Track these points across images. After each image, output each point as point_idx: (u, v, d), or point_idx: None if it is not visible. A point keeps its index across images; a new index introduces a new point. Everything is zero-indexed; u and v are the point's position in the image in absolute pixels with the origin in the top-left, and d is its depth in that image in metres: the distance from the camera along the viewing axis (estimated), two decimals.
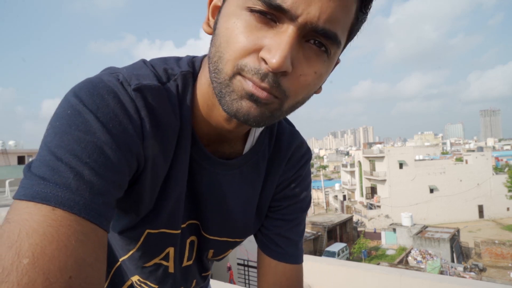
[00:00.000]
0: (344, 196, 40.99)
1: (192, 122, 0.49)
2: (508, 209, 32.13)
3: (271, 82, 0.38)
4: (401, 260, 20.83)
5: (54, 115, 0.39)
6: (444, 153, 63.26)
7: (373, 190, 34.85)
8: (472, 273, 18.40)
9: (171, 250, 0.57)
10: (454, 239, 22.33)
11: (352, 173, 42.89)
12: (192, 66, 0.50)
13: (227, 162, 0.54)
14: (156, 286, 0.61)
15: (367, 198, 34.73)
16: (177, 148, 0.48)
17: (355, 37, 0.43)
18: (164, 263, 0.58)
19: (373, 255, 23.57)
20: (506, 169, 36.52)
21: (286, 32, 0.37)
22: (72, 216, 0.33)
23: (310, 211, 32.61)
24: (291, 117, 0.55)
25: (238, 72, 0.39)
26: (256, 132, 0.56)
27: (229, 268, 6.24)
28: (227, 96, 0.40)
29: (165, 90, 0.45)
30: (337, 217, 26.71)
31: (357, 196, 38.63)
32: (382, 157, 32.72)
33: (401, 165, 32.12)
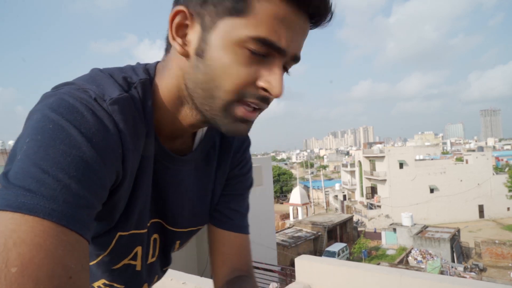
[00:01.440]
0: (344, 196, 40.98)
1: (154, 132, 0.52)
2: (508, 209, 32.11)
3: (267, 102, 0.48)
4: (401, 260, 20.82)
5: (32, 129, 0.39)
6: (445, 153, 63.25)
7: (373, 190, 34.85)
8: (473, 273, 18.38)
9: (139, 249, 0.60)
10: (454, 239, 22.32)
11: (352, 173, 42.88)
12: (148, 73, 0.52)
13: (183, 158, 0.58)
14: (122, 286, 0.63)
15: (367, 198, 34.73)
16: (143, 152, 0.50)
17: None
18: (133, 262, 0.61)
19: (373, 255, 23.56)
20: (507, 169, 36.52)
21: (279, 65, 0.45)
22: (59, 227, 0.34)
23: (310, 211, 32.60)
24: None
25: (239, 99, 0.46)
26: (204, 127, 0.61)
27: None
28: (224, 119, 0.47)
29: (131, 99, 0.47)
30: (337, 217, 26.70)
31: (357, 196, 38.63)
32: (382, 157, 32.71)
33: (401, 165, 32.11)
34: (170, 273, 3.01)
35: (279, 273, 8.66)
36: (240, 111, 0.46)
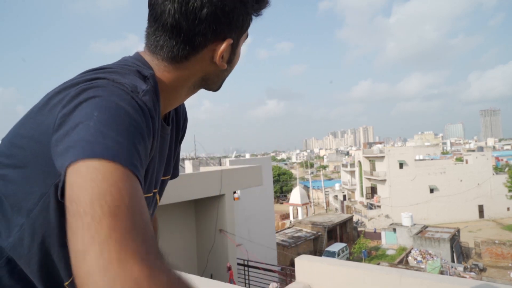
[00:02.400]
0: (344, 196, 40.98)
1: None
2: (508, 209, 32.12)
3: None
4: (401, 260, 20.82)
5: (96, 107, 0.47)
6: (444, 153, 63.23)
7: (373, 190, 34.85)
8: (472, 273, 18.38)
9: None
10: (454, 239, 22.32)
11: (352, 173, 42.88)
12: (149, 66, 0.64)
13: (168, 124, 0.74)
14: None
15: (367, 198, 34.73)
16: (156, 130, 0.62)
17: None
18: None
19: (373, 255, 23.56)
20: (506, 169, 36.51)
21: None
22: (134, 176, 0.44)
23: (310, 211, 32.60)
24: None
25: None
26: None
27: (229, 268, 6.23)
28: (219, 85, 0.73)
29: (153, 90, 0.59)
30: (337, 217, 26.70)
31: (357, 196, 38.62)
32: (382, 157, 32.71)
33: (401, 165, 32.11)
34: None
35: (279, 273, 8.66)
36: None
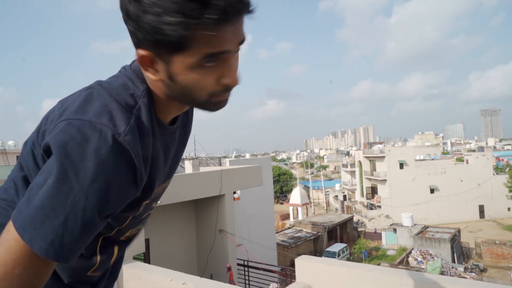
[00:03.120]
0: (345, 196, 40.95)
1: (157, 117, 0.66)
2: (509, 209, 32.07)
3: (232, 88, 0.61)
4: (402, 261, 20.79)
5: (52, 172, 0.51)
6: (445, 153, 63.20)
7: (373, 190, 34.82)
8: (473, 274, 18.36)
9: (154, 203, 0.81)
10: (454, 240, 22.29)
11: (352, 173, 42.85)
12: (143, 79, 0.64)
13: (176, 126, 0.74)
14: (141, 226, 0.83)
15: (367, 198, 34.69)
16: (155, 141, 0.64)
17: None
18: (150, 212, 0.83)
19: (374, 256, 23.53)
20: (507, 169, 36.47)
21: (230, 61, 0.56)
22: (45, 262, 0.52)
23: (310, 212, 32.58)
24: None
25: (211, 97, 0.60)
26: None
27: (229, 269, 6.22)
28: (207, 106, 0.62)
29: (137, 118, 0.59)
30: (337, 217, 26.68)
31: (358, 196, 38.59)
32: (383, 157, 32.68)
33: (401, 165, 32.08)
34: (170, 273, 3.00)
35: (279, 274, 8.65)
36: (215, 100, 0.60)
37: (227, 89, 0.59)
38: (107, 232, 0.72)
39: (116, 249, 0.78)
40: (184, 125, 0.81)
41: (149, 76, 0.59)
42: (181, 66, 0.54)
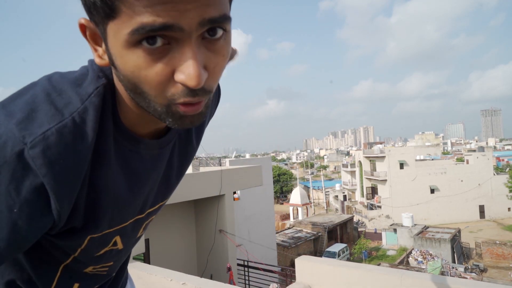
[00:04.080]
0: (345, 196, 40.94)
1: (124, 124, 0.50)
2: (509, 209, 32.06)
3: (199, 91, 0.40)
4: (402, 261, 20.79)
5: None
6: (445, 153, 63.20)
7: (373, 190, 34.81)
8: (473, 274, 18.35)
9: (117, 238, 0.61)
10: (455, 240, 22.29)
11: (352, 173, 42.85)
12: (104, 74, 0.48)
13: (165, 140, 0.57)
14: (111, 263, 0.67)
15: (367, 199, 34.69)
16: (104, 166, 0.48)
17: None
18: (114, 247, 0.62)
19: (374, 256, 23.53)
20: (507, 169, 36.47)
21: (185, 47, 0.38)
22: None
23: (311, 212, 32.59)
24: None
25: (172, 103, 0.41)
26: None
27: (229, 269, 6.22)
28: (167, 119, 0.43)
29: (73, 122, 0.43)
30: (337, 218, 26.68)
31: (358, 196, 38.59)
32: (383, 157, 32.68)
33: (401, 165, 32.07)
34: (170, 273, 3.01)
35: (279, 274, 8.64)
36: (178, 110, 0.42)
37: (187, 92, 0.39)
38: (62, 257, 0.58)
39: (76, 286, 0.64)
40: (183, 140, 0.63)
41: (98, 62, 0.44)
42: (116, 42, 0.38)
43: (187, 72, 0.37)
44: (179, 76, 0.38)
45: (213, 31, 0.39)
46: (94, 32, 0.42)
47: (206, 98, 0.42)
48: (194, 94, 0.40)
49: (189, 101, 0.40)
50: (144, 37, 0.36)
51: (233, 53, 0.49)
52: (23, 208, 0.40)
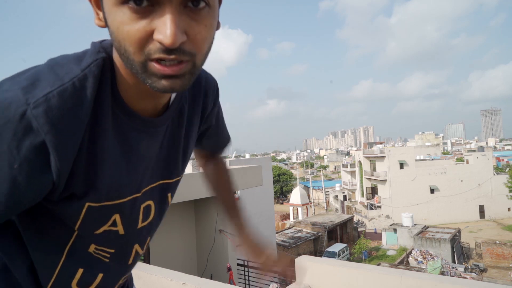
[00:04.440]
0: (345, 196, 40.96)
1: (122, 99, 0.54)
2: (509, 209, 32.08)
3: (176, 52, 0.44)
4: (402, 261, 20.80)
5: None
6: (445, 153, 63.21)
7: (373, 190, 34.83)
8: (473, 274, 18.36)
9: (117, 216, 0.60)
10: (455, 240, 22.30)
11: (352, 173, 42.86)
12: (104, 50, 0.53)
13: (163, 117, 0.60)
14: (112, 250, 0.65)
15: (367, 198, 34.70)
16: (102, 133, 0.51)
17: None
18: (113, 228, 0.61)
19: (374, 256, 23.54)
20: (507, 169, 36.47)
21: (166, 10, 0.42)
22: None
23: (311, 212, 32.60)
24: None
25: (147, 58, 0.44)
26: None
27: (229, 269, 6.22)
28: (148, 79, 0.46)
29: (72, 87, 0.46)
30: (337, 218, 26.69)
31: (358, 196, 38.61)
32: (383, 157, 32.69)
33: (401, 165, 32.09)
34: (170, 273, 3.00)
35: (279, 274, 8.65)
36: (155, 68, 0.45)
37: (163, 49, 0.43)
38: (66, 236, 0.59)
39: (80, 272, 0.62)
40: (184, 115, 0.67)
41: (96, 23, 0.49)
42: (108, 0, 0.44)
43: (164, 31, 0.42)
44: (157, 36, 0.42)
45: (196, 1, 0.44)
46: None
47: (186, 59, 0.45)
48: (169, 52, 0.43)
49: (163, 57, 0.43)
50: None
51: (218, 26, 0.52)
52: (23, 165, 0.42)
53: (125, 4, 0.42)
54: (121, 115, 0.54)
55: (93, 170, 0.51)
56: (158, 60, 0.44)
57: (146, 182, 0.63)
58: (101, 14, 0.47)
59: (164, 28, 0.42)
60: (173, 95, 0.62)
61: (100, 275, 0.65)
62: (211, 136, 0.86)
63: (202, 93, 0.72)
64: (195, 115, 0.71)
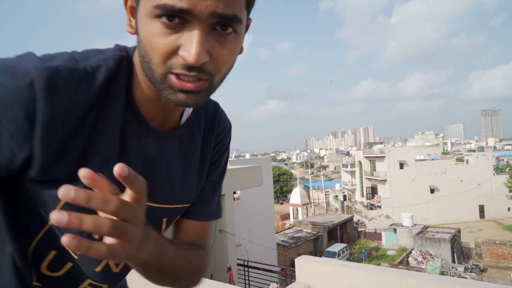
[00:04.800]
0: (345, 196, 40.95)
1: (135, 102, 0.55)
2: (509, 209, 32.08)
3: (197, 71, 0.46)
4: (402, 261, 20.80)
5: None
6: (445, 153, 63.22)
7: (373, 190, 34.82)
8: (473, 274, 18.36)
9: None
10: (454, 240, 22.29)
11: (352, 173, 42.85)
12: (126, 51, 0.55)
13: (170, 133, 0.60)
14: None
15: (367, 198, 34.70)
16: (106, 129, 0.51)
17: (255, 3, 0.52)
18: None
19: (374, 256, 23.53)
20: (507, 169, 36.47)
21: (194, 30, 0.44)
22: None
23: (311, 212, 32.58)
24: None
25: (169, 71, 0.46)
26: None
27: (229, 269, 6.22)
28: (164, 91, 0.48)
29: (85, 69, 0.48)
30: (337, 218, 26.68)
31: (358, 196, 38.60)
32: (383, 157, 32.68)
33: (401, 165, 32.08)
34: None
35: (279, 274, 8.65)
36: (174, 82, 0.46)
37: (185, 65, 0.45)
38: (45, 214, 0.54)
39: (52, 254, 0.58)
40: (197, 140, 0.65)
41: (127, 29, 0.51)
42: (143, 11, 0.46)
43: (189, 49, 0.44)
44: (182, 52, 0.44)
45: (224, 26, 0.46)
46: (132, 4, 0.50)
47: (204, 78, 0.47)
48: (190, 69, 0.45)
49: (184, 73, 0.45)
50: (165, 14, 0.43)
51: (241, 50, 0.53)
52: (9, 121, 0.43)
53: (158, 18, 0.44)
54: (129, 116, 0.54)
55: (86, 160, 0.50)
56: (178, 75, 0.46)
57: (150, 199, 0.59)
58: (133, 21, 0.50)
59: (190, 47, 0.44)
60: (185, 117, 0.63)
61: (70, 264, 0.61)
62: (204, 194, 0.72)
63: (216, 125, 0.70)
64: (207, 146, 0.68)
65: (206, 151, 0.68)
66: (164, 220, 0.67)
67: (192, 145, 0.65)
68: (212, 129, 0.69)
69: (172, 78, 0.46)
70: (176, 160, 0.63)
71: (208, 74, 0.47)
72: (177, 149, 0.62)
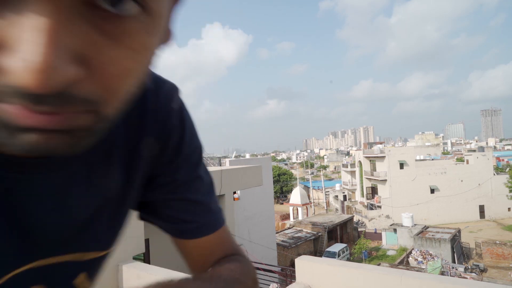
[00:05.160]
0: (345, 196, 40.97)
1: None
2: (509, 209, 32.08)
3: (51, 101, 0.21)
4: (402, 261, 20.81)
5: None
6: (445, 153, 63.25)
7: (373, 190, 34.83)
8: (473, 274, 18.36)
9: None
10: (455, 240, 22.30)
11: (352, 173, 42.87)
12: None
13: (42, 161, 0.32)
14: None
15: (367, 198, 34.71)
16: None
17: None
18: None
19: (374, 256, 23.54)
20: (507, 169, 36.48)
21: (32, 9, 0.19)
22: None
23: (311, 212, 32.61)
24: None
25: None
26: None
27: None
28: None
29: None
30: (337, 218, 26.69)
31: (358, 196, 38.62)
32: (383, 157, 32.70)
33: (401, 165, 32.10)
34: (170, 273, 3.00)
35: (279, 274, 8.65)
36: (11, 115, 0.21)
37: (21, 93, 0.20)
38: None
39: None
40: (114, 159, 0.39)
41: None
42: None
43: (23, 55, 0.19)
44: (9, 60, 0.19)
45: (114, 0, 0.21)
46: None
47: (78, 110, 0.23)
48: (36, 100, 0.20)
49: (26, 106, 0.21)
50: None
51: (168, 37, 0.29)
52: None
53: None
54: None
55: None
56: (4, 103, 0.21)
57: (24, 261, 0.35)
58: None
59: (24, 49, 0.19)
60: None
61: None
62: (173, 204, 0.47)
63: (174, 136, 0.44)
64: (134, 166, 0.42)
65: (134, 172, 0.42)
66: (82, 275, 0.42)
67: (109, 165, 0.39)
68: (164, 141, 0.43)
69: (3, 107, 0.21)
70: (79, 194, 0.37)
71: (86, 102, 0.23)
72: (78, 178, 0.36)
